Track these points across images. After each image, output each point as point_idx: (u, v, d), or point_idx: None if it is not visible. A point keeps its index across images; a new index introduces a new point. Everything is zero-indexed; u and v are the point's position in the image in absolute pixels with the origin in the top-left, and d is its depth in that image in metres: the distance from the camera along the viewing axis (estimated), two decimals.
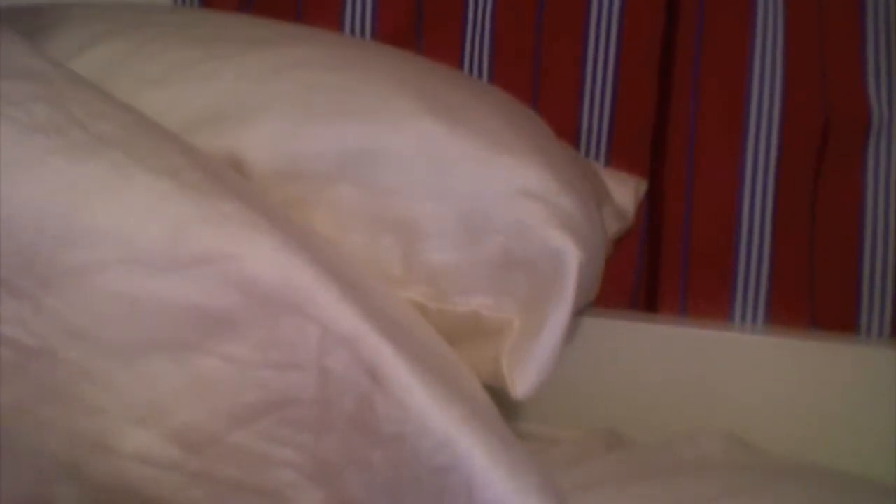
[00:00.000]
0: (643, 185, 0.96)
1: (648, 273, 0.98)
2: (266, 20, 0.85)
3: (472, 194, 0.68)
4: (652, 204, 0.98)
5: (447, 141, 0.69)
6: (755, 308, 0.94)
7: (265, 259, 0.51)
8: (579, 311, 0.71)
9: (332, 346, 0.50)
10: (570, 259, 0.67)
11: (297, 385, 0.50)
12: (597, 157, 1.00)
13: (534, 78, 1.00)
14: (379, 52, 0.82)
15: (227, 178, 0.59)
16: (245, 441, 0.50)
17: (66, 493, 0.51)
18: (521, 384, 0.65)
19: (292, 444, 0.50)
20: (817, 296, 0.94)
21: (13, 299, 0.50)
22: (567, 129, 0.99)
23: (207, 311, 0.50)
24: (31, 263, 0.50)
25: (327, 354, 0.50)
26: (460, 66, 1.02)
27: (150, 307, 0.50)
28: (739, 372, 0.86)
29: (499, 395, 0.62)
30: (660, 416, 0.85)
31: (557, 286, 0.67)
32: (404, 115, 0.70)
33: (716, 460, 0.79)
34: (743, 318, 0.94)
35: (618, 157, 0.99)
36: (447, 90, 0.75)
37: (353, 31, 1.03)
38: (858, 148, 0.93)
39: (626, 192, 0.91)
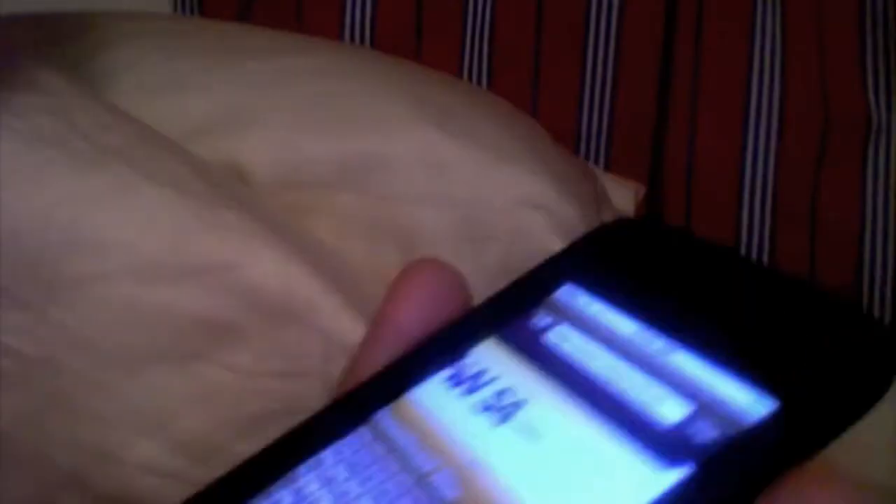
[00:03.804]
0: (642, 190, 0.96)
1: None
2: (265, 30, 0.85)
3: (472, 202, 0.68)
4: (652, 206, 0.98)
5: (447, 149, 0.69)
6: None
7: (268, 268, 0.51)
8: None
9: (335, 355, 0.50)
10: None
11: (301, 394, 0.51)
12: (596, 157, 1.00)
13: (534, 79, 1.00)
14: (377, 60, 0.82)
15: (229, 187, 0.59)
16: (250, 450, 0.50)
17: (68, 503, 0.51)
18: None
19: None
20: None
21: (16, 309, 0.50)
22: (567, 130, 0.99)
23: (211, 320, 0.51)
24: (34, 273, 0.50)
25: (331, 363, 0.50)
26: (460, 67, 1.02)
27: (153, 316, 0.50)
28: None
29: None
30: None
31: None
32: (404, 123, 0.70)
33: None
34: None
35: (617, 157, 1.00)
36: (446, 98, 0.75)
37: (352, 31, 1.03)
38: (858, 149, 0.93)
39: (625, 196, 0.91)
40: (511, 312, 0.26)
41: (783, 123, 0.93)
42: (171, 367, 0.50)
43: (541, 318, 0.26)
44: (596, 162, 1.00)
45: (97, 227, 0.51)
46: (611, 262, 0.26)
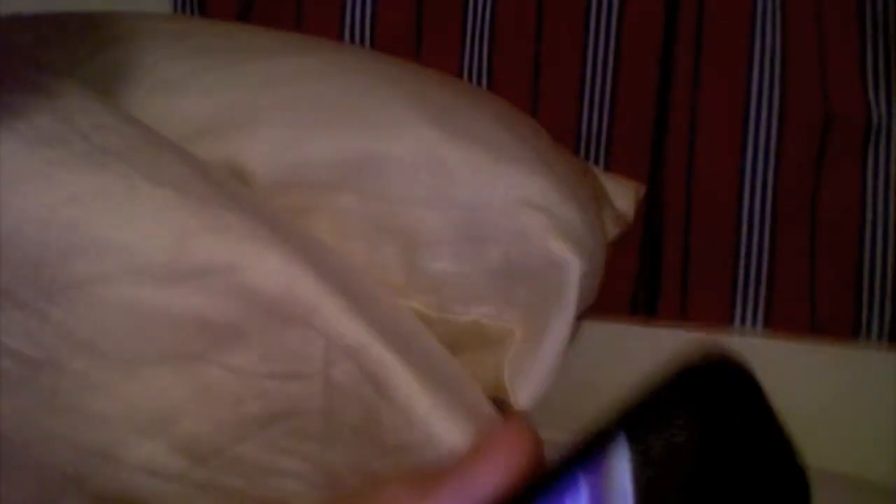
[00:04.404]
0: (642, 189, 0.96)
1: (649, 276, 0.99)
2: (265, 30, 0.85)
3: (474, 203, 0.68)
4: (652, 206, 0.98)
5: (448, 150, 0.69)
6: (755, 311, 0.94)
7: (269, 270, 0.51)
8: (579, 316, 0.72)
9: (336, 357, 0.50)
10: (572, 270, 0.67)
11: (302, 395, 0.50)
12: (596, 157, 1.00)
13: (534, 78, 1.00)
14: (378, 60, 0.82)
15: (230, 188, 0.59)
16: (250, 451, 0.50)
17: (69, 503, 0.51)
18: (522, 394, 0.65)
19: (298, 455, 0.50)
20: (817, 298, 0.94)
21: (17, 310, 0.50)
22: (567, 129, 0.99)
23: (212, 321, 0.51)
24: (35, 275, 0.50)
25: (332, 365, 0.50)
26: (460, 66, 1.02)
27: (154, 318, 0.50)
28: None
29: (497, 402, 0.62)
30: None
31: (559, 296, 0.67)
32: (405, 124, 0.70)
33: None
34: (743, 320, 0.94)
35: (617, 157, 1.00)
36: (447, 99, 0.75)
37: (353, 31, 1.03)
38: (858, 149, 0.94)
39: (625, 195, 0.91)
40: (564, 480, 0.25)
41: (783, 123, 0.93)
42: (171, 368, 0.50)
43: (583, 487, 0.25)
44: (596, 162, 1.00)
45: (98, 227, 0.51)
46: (662, 411, 0.25)
